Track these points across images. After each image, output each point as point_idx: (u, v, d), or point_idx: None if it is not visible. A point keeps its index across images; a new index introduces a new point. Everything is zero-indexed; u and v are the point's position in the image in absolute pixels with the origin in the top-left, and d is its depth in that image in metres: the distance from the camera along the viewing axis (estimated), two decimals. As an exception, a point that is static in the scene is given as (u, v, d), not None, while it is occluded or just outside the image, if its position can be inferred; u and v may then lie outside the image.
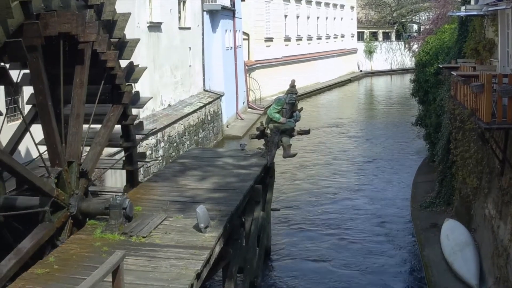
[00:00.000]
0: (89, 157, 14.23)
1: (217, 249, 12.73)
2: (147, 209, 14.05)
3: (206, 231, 12.63)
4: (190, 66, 36.55)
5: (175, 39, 33.94)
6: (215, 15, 41.51)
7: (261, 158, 19.42)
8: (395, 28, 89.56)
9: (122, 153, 17.61)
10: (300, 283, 18.57)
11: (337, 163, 33.85)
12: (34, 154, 15.83)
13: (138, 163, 17.22)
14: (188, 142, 32.67)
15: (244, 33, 52.47)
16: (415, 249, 20.59)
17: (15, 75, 13.64)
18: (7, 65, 11.68)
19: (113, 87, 15.23)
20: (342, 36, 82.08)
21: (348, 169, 32.57)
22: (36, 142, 13.28)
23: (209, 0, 41.05)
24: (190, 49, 36.42)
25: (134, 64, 16.41)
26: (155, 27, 30.49)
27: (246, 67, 51.32)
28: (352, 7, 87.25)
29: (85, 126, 14.31)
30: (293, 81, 20.99)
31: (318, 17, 74.12)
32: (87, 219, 13.36)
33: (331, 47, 77.07)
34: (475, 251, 17.32)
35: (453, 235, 18.49)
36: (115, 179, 21.71)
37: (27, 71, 13.86)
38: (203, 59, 39.12)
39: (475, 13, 21.29)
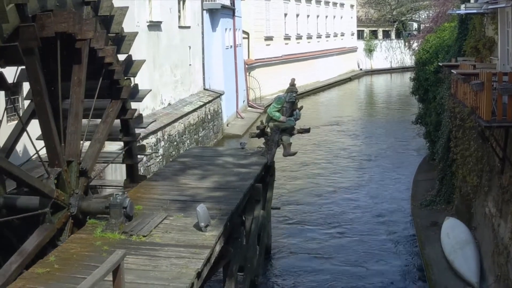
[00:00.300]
0: (89, 154, 14.18)
1: (218, 248, 12.73)
2: (147, 208, 14.05)
3: (206, 230, 12.63)
4: (190, 65, 36.53)
5: (175, 38, 33.92)
6: (215, 14, 41.50)
7: (261, 156, 19.42)
8: (395, 26, 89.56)
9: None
10: (300, 281, 18.58)
11: (337, 161, 33.86)
12: (32, 152, 15.81)
13: (138, 156, 17.16)
14: (188, 141, 32.66)
15: (244, 32, 52.46)
16: (415, 248, 20.59)
17: (12, 72, 13.61)
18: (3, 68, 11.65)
19: (112, 82, 15.15)
20: (342, 34, 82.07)
21: (348, 167, 32.59)
22: (35, 139, 13.24)
23: (209, -2, 41.11)
24: (190, 48, 36.41)
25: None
26: (155, 26, 30.47)
27: (246, 66, 51.32)
28: (352, 6, 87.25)
29: (85, 120, 14.28)
30: (293, 80, 20.99)
31: (318, 16, 74.11)
32: (88, 217, 13.37)
33: (331, 45, 77.06)
34: (475, 249, 17.32)
35: (453, 233, 18.49)
36: (115, 173, 21.65)
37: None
38: (203, 58, 39.10)
39: (475, 11, 21.27)
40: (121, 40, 15.48)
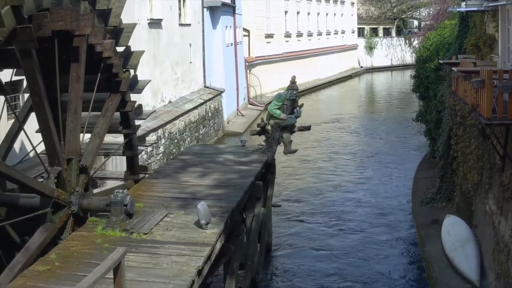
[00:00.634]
0: (88, 150, 14.12)
1: (218, 246, 12.73)
2: (148, 206, 14.05)
3: (207, 227, 12.64)
4: (190, 62, 36.53)
5: (176, 36, 33.91)
6: (215, 11, 41.48)
7: (262, 154, 19.43)
8: (395, 24, 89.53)
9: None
10: (301, 278, 18.59)
11: (338, 158, 33.89)
12: (31, 149, 15.80)
13: (139, 148, 17.08)
14: (188, 139, 32.66)
15: (245, 30, 52.44)
16: (416, 245, 20.60)
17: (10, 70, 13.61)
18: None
19: (111, 76, 15.04)
20: (343, 32, 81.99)
21: (348, 164, 32.60)
22: (34, 137, 13.21)
23: (209, -4, 41.08)
24: (190, 45, 36.41)
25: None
26: (155, 23, 30.46)
27: (247, 64, 51.28)
28: (352, 3, 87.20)
29: (85, 113, 14.22)
30: (293, 77, 20.97)
31: (318, 13, 74.05)
32: (89, 214, 13.38)
33: (331, 43, 77.01)
34: (476, 247, 17.33)
35: (454, 231, 18.50)
36: (115, 163, 21.61)
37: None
38: (204, 55, 39.10)
39: (475, 8, 21.28)
40: (119, 32, 15.35)
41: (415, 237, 21.17)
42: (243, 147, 20.79)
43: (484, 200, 17.71)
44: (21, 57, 11.12)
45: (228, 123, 42.34)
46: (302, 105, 21.24)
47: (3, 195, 12.97)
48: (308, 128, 21.58)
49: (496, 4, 18.43)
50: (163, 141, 28.50)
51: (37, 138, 13.33)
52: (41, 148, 13.42)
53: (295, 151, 21.10)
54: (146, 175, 17.49)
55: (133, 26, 15.92)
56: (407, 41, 72.27)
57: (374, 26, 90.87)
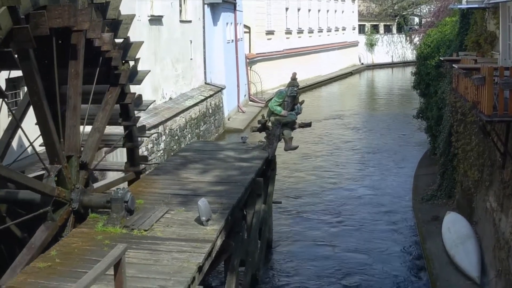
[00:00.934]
0: (88, 145, 14.08)
1: (219, 242, 12.74)
2: (148, 202, 14.06)
3: (207, 224, 12.65)
4: (191, 59, 36.51)
5: (176, 32, 33.89)
6: (216, 8, 41.46)
7: (263, 151, 19.44)
8: (396, 21, 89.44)
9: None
10: (302, 275, 18.60)
11: (338, 155, 33.89)
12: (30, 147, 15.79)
13: (139, 138, 17.00)
14: (189, 135, 32.66)
15: (245, 26, 52.41)
16: (416, 242, 20.61)
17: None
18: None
19: (110, 69, 14.92)
20: (343, 29, 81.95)
21: (349, 161, 32.62)
22: (35, 129, 13.15)
23: (210, -7, 41.05)
24: (191, 42, 36.39)
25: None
26: (156, 20, 30.44)
27: (247, 60, 51.28)
28: (353, 0, 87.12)
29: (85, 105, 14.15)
30: (294, 74, 20.98)
31: (319, 10, 73.99)
32: (90, 211, 13.39)
33: (332, 40, 76.97)
34: (476, 244, 17.33)
35: (454, 228, 18.50)
36: (115, 154, 21.55)
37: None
38: (204, 52, 39.09)
39: (476, 5, 21.26)
40: (118, 24, 15.24)
41: (415, 234, 21.18)
42: (244, 143, 20.80)
43: (485, 197, 17.71)
44: (18, 58, 11.08)
45: (228, 119, 42.34)
46: (302, 101, 21.24)
47: (2, 191, 12.95)
48: (308, 124, 21.58)
49: (497, 1, 18.41)
50: (163, 137, 28.50)
51: (37, 131, 13.23)
52: (39, 141, 13.34)
53: (295, 148, 21.11)
54: (146, 168, 17.42)
55: (131, 17, 15.74)
56: (407, 38, 72.11)
57: (375, 23, 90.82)
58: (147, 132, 18.65)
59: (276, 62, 58.62)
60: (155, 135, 27.04)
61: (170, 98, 32.18)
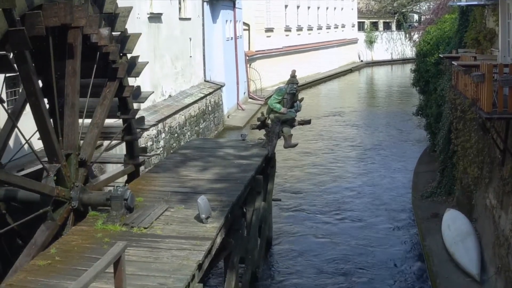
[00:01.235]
0: (87, 141, 14.05)
1: (219, 240, 12.74)
2: (148, 200, 14.06)
3: (207, 221, 12.65)
4: (190, 56, 36.50)
5: (176, 30, 33.88)
6: (215, 5, 41.43)
7: (262, 148, 19.43)
8: (395, 18, 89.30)
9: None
10: (301, 273, 18.60)
11: (338, 152, 33.90)
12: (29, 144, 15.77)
13: (138, 131, 16.90)
14: (189, 133, 32.66)
15: (245, 24, 52.39)
16: (416, 239, 20.62)
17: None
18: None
19: (107, 63, 14.77)
20: (343, 26, 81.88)
21: (349, 158, 32.61)
22: (32, 129, 13.12)
23: (210, -10, 41.04)
24: (190, 39, 36.37)
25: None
26: (155, 18, 30.43)
27: (247, 58, 51.26)
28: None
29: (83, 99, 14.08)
30: (293, 71, 20.96)
31: (318, 7, 73.96)
32: (89, 208, 13.39)
33: (331, 37, 76.94)
34: (476, 241, 17.33)
35: (454, 225, 18.50)
36: (115, 151, 21.54)
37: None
38: (204, 49, 39.07)
39: (475, 2, 21.25)
40: (115, 18, 15.13)
41: (415, 231, 21.18)
42: (243, 141, 20.78)
43: (485, 194, 17.72)
44: (15, 60, 11.04)
45: (228, 117, 42.34)
46: (302, 99, 21.24)
47: (2, 189, 12.94)
48: (308, 122, 21.59)
49: (497, -2, 18.43)
50: (163, 135, 28.50)
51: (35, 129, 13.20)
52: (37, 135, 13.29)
53: (295, 145, 21.11)
54: (146, 160, 17.29)
55: (128, 10, 15.61)
56: (407, 35, 72.38)
57: (374, 20, 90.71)
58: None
59: (275, 59, 58.61)
60: (155, 132, 27.04)
61: (170, 96, 32.17)
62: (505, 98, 13.74)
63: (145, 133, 25.42)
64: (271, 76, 54.80)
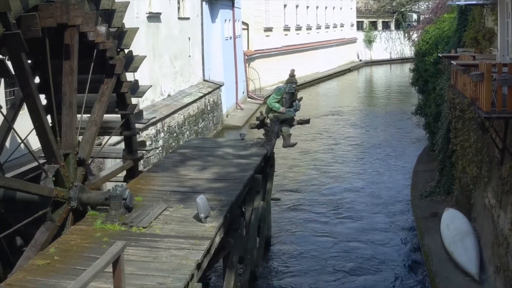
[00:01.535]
0: (85, 139, 14.01)
1: (218, 239, 12.73)
2: (147, 200, 14.05)
3: (206, 221, 12.64)
4: (189, 56, 36.50)
5: (175, 29, 33.88)
6: (214, 5, 41.43)
7: (261, 147, 19.42)
8: (394, 17, 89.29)
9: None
10: (300, 272, 18.61)
11: (337, 151, 33.93)
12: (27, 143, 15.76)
13: (136, 125, 16.85)
14: (188, 132, 32.67)
15: (244, 23, 52.39)
16: (415, 238, 20.62)
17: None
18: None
19: (105, 60, 14.69)
20: (342, 25, 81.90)
21: (347, 157, 32.64)
22: (28, 131, 13.10)
23: (208, -10, 41.02)
24: (189, 39, 36.37)
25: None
26: (154, 17, 30.43)
27: (246, 57, 51.27)
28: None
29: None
30: (292, 71, 20.97)
31: (317, 7, 73.97)
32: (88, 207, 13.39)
33: (330, 36, 76.95)
34: (475, 240, 17.34)
35: (453, 224, 18.50)
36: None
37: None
38: (203, 49, 39.07)
39: (474, 2, 21.23)
40: (112, 14, 15.05)
41: (414, 231, 21.19)
42: (242, 140, 20.78)
43: (483, 193, 17.72)
44: (11, 62, 11.00)
45: (227, 116, 42.35)
46: (301, 98, 21.25)
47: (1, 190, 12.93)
48: (307, 121, 21.59)
49: (495, -3, 18.42)
50: (162, 134, 28.51)
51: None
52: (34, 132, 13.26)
53: (294, 145, 21.11)
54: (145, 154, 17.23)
55: (126, 5, 15.52)
56: (406, 35, 72.17)
57: (373, 20, 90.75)
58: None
59: (274, 59, 58.62)
60: (154, 131, 27.03)
61: (169, 95, 32.17)
62: (504, 97, 13.72)
63: (144, 133, 25.44)
64: (270, 75, 54.79)
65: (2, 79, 13.59)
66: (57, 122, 13.45)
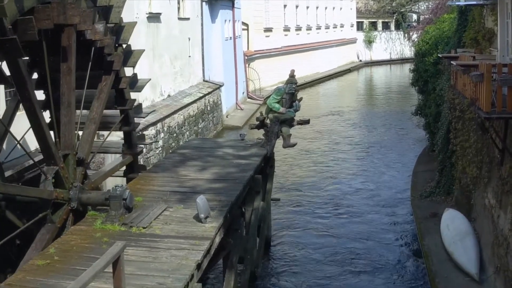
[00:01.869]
0: (84, 138, 13.98)
1: (217, 239, 12.74)
2: (147, 200, 14.06)
3: (206, 221, 12.64)
4: (189, 56, 36.50)
5: (175, 30, 33.88)
6: (214, 5, 41.44)
7: (261, 148, 19.41)
8: (394, 17, 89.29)
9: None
10: (301, 272, 18.60)
11: (337, 151, 33.90)
12: (26, 143, 15.75)
13: (136, 120, 16.80)
14: (188, 133, 32.66)
15: (244, 23, 52.38)
16: (415, 239, 20.62)
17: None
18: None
19: (103, 57, 14.60)
20: (342, 26, 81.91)
21: (347, 158, 32.60)
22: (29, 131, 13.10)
23: (208, -10, 41.03)
24: (189, 39, 36.37)
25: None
26: (154, 17, 30.42)
27: (246, 57, 51.27)
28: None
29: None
30: (292, 71, 20.96)
31: (317, 7, 73.98)
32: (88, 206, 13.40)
33: (330, 37, 76.98)
34: (475, 240, 17.34)
35: (453, 225, 18.50)
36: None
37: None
38: (203, 49, 39.07)
39: (474, 2, 21.23)
40: (109, 9, 14.92)
41: (414, 231, 21.19)
42: (242, 141, 20.77)
43: (483, 193, 17.72)
44: (8, 67, 10.98)
45: (227, 117, 42.34)
46: (301, 98, 21.23)
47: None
48: (307, 121, 21.58)
49: (495, -3, 18.42)
50: (162, 135, 28.50)
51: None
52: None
53: (294, 145, 21.10)
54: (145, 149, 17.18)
55: (123, 0, 15.36)
56: (406, 35, 72.22)
57: (373, 20, 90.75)
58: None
59: (274, 59, 58.62)
60: (152, 139, 27.00)
61: (169, 96, 32.18)
62: (504, 97, 13.73)
63: (144, 133, 25.42)
64: (270, 76, 54.80)
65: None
66: (55, 118, 13.43)
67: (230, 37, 45.41)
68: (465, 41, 23.01)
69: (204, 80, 39.28)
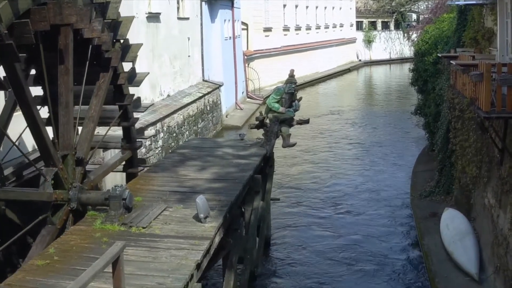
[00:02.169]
0: (83, 137, 13.93)
1: (217, 239, 12.73)
2: (147, 200, 14.04)
3: (206, 221, 12.63)
4: (189, 56, 36.50)
5: (174, 29, 33.87)
6: (214, 5, 41.43)
7: (261, 148, 19.41)
8: (394, 17, 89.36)
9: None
10: (300, 272, 18.60)
11: (336, 151, 33.92)
12: (24, 143, 15.73)
13: (135, 114, 16.77)
14: (187, 132, 32.66)
15: (243, 23, 52.36)
16: (414, 238, 20.62)
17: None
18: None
19: (100, 53, 14.53)
20: (341, 25, 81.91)
21: (347, 157, 32.62)
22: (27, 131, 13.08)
23: (208, -10, 41.02)
24: (189, 39, 36.37)
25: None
26: (153, 17, 30.42)
27: (245, 57, 51.25)
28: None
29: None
30: (292, 71, 20.96)
31: (317, 7, 73.98)
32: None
33: (330, 36, 76.98)
34: (474, 240, 17.34)
35: (453, 224, 18.51)
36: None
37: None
38: (202, 49, 39.06)
39: (474, 2, 21.22)
40: (106, 5, 14.82)
41: (414, 230, 21.18)
42: (242, 140, 20.76)
43: (483, 193, 17.72)
44: (5, 71, 10.96)
45: (226, 116, 42.34)
46: (300, 98, 21.22)
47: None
48: (307, 121, 21.58)
49: (495, -3, 18.42)
50: (161, 134, 28.50)
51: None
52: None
53: (293, 145, 21.09)
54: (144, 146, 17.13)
55: None
56: (405, 35, 72.34)
57: (372, 20, 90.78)
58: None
59: (274, 59, 58.62)
60: (153, 131, 27.00)
61: (168, 95, 32.17)
62: (504, 97, 13.72)
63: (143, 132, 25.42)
64: (270, 75, 54.79)
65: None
66: (52, 115, 13.41)
67: (230, 37, 45.41)
68: (465, 40, 23.01)
69: (203, 80, 39.28)
